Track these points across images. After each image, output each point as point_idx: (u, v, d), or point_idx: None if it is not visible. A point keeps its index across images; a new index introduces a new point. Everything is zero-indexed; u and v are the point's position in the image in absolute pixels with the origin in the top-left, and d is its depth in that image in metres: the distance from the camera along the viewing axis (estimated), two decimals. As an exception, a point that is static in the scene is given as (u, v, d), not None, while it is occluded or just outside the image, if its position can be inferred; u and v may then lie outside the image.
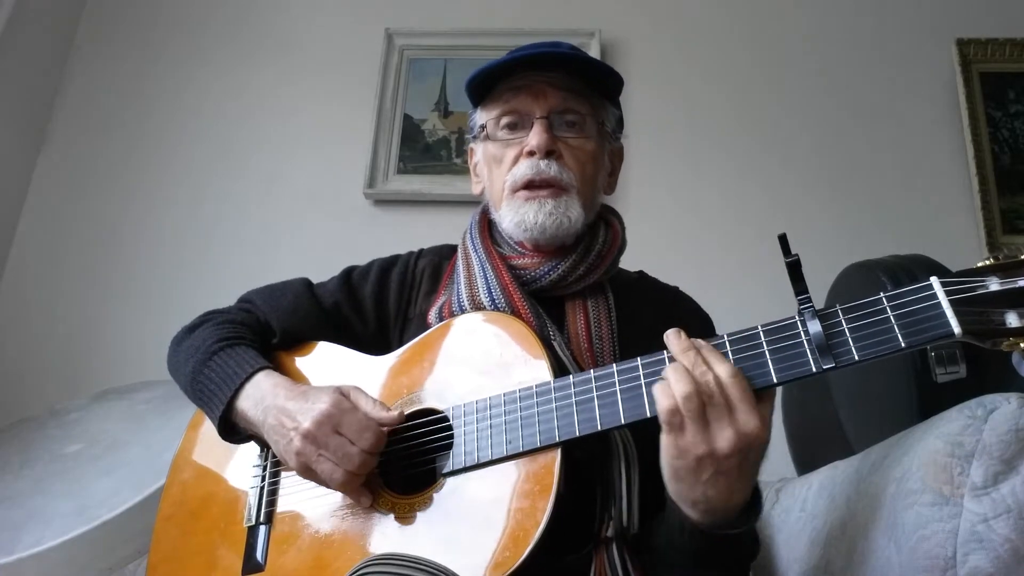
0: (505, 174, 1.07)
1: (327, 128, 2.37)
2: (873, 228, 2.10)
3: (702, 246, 2.15)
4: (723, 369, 0.76)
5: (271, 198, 2.31)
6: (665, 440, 0.77)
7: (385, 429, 0.92)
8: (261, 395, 0.98)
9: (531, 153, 1.04)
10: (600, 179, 1.11)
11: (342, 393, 0.94)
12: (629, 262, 1.23)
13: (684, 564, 0.85)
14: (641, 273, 1.21)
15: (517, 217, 1.04)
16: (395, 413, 0.93)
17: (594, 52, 2.30)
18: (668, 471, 0.79)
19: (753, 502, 0.82)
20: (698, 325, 1.11)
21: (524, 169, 1.04)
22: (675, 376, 0.76)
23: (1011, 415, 0.83)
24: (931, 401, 1.11)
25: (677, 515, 0.82)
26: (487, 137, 1.10)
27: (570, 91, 1.06)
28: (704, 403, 0.75)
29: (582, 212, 1.05)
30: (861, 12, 2.36)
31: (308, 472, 0.92)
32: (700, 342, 0.80)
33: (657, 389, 0.77)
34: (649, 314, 1.09)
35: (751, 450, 0.75)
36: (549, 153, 1.04)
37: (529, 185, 1.04)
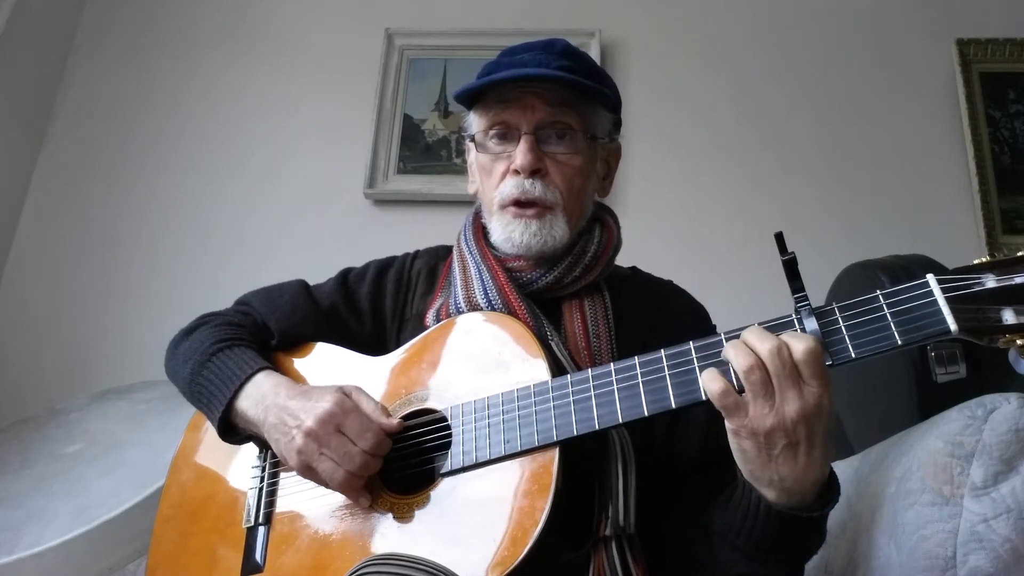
0: (493, 189, 1.08)
1: (327, 128, 2.37)
2: (873, 228, 2.10)
3: (702, 246, 2.15)
4: (799, 343, 0.74)
5: (271, 198, 2.30)
6: (728, 424, 0.76)
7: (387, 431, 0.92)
8: (262, 395, 0.98)
9: (517, 171, 1.04)
10: (590, 188, 1.11)
11: (344, 393, 0.94)
12: (629, 261, 1.23)
13: (752, 548, 0.82)
14: (634, 269, 1.21)
15: (505, 234, 1.06)
16: (395, 421, 0.93)
17: (594, 52, 2.30)
18: (737, 453, 0.78)
19: (831, 484, 0.80)
20: (693, 318, 1.11)
21: (510, 188, 1.05)
22: (735, 352, 0.76)
23: (1011, 415, 0.83)
24: (931, 401, 1.11)
25: (752, 497, 0.80)
26: (478, 147, 1.11)
27: (559, 104, 1.06)
28: (769, 376, 0.74)
29: (566, 230, 1.06)
30: (861, 12, 2.36)
31: (308, 471, 0.92)
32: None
33: (706, 374, 0.77)
34: (645, 309, 1.09)
35: (818, 418, 0.74)
36: (535, 172, 1.04)
37: (516, 203, 1.05)
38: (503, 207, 1.06)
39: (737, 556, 0.84)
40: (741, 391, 0.76)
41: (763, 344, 0.75)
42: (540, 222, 1.04)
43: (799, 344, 0.74)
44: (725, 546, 0.85)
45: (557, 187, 1.05)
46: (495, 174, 1.08)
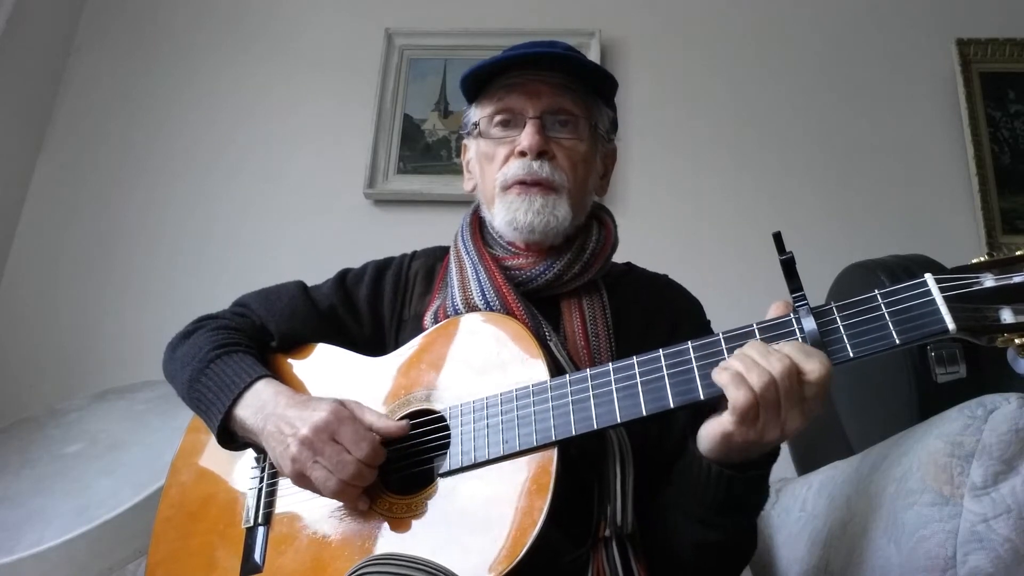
0: (496, 172, 1.07)
1: (327, 128, 2.37)
2: (873, 228, 2.09)
3: (702, 245, 2.15)
4: (812, 366, 0.76)
5: (271, 198, 2.31)
6: (733, 427, 0.77)
7: (385, 435, 0.92)
8: (261, 403, 0.98)
9: (523, 153, 1.04)
10: (591, 180, 1.11)
11: (342, 403, 0.94)
12: (629, 260, 1.23)
13: (704, 512, 0.86)
14: (629, 264, 1.21)
15: (508, 215, 1.05)
16: (402, 423, 0.93)
17: (594, 52, 2.30)
18: (721, 445, 0.80)
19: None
20: (689, 313, 1.12)
21: (515, 169, 1.05)
22: (747, 369, 0.76)
23: (1011, 415, 0.83)
24: (931, 401, 1.11)
25: (703, 464, 0.83)
26: (480, 134, 1.10)
27: (564, 90, 1.06)
28: (779, 394, 0.75)
29: (570, 213, 1.05)
30: (861, 12, 2.36)
31: (302, 479, 0.92)
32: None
33: (730, 382, 0.77)
34: (642, 305, 1.10)
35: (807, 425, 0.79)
36: (541, 154, 1.04)
37: (520, 183, 1.04)
38: (506, 188, 1.06)
39: (691, 523, 0.88)
40: None
41: (774, 364, 0.75)
42: (544, 199, 1.03)
43: (812, 367, 0.75)
44: (678, 515, 0.89)
45: (563, 171, 1.05)
46: (498, 159, 1.08)
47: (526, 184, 1.04)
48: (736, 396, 0.76)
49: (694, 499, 0.86)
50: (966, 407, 0.88)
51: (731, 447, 0.80)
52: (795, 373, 0.75)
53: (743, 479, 0.82)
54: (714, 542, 0.88)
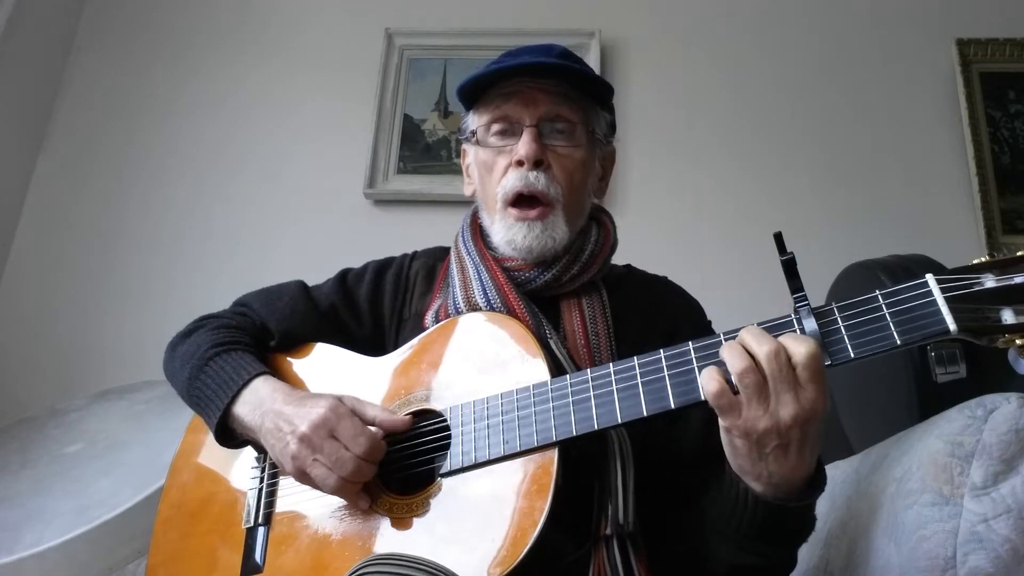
0: (496, 184, 1.07)
1: (327, 128, 2.37)
2: (873, 228, 2.09)
3: (702, 245, 2.15)
4: (799, 347, 0.74)
5: (271, 198, 2.30)
6: (722, 422, 0.77)
7: (388, 430, 0.92)
8: (259, 400, 0.98)
9: (520, 163, 1.04)
10: (589, 185, 1.12)
11: (340, 399, 0.94)
12: (629, 261, 1.23)
13: (741, 538, 0.84)
14: (629, 266, 1.22)
15: (507, 236, 1.06)
16: (405, 418, 0.93)
17: (594, 52, 2.30)
18: (728, 449, 0.79)
19: (817, 474, 0.81)
20: (689, 314, 1.12)
21: (513, 181, 1.05)
22: (730, 353, 0.76)
23: (1011, 415, 0.83)
24: (931, 401, 1.11)
25: (740, 488, 0.81)
26: (478, 142, 1.11)
27: (561, 97, 1.06)
28: (765, 378, 0.74)
29: (567, 229, 1.06)
30: (861, 12, 2.36)
31: (303, 476, 0.92)
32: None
33: (705, 373, 0.77)
34: (642, 307, 1.10)
35: (813, 421, 0.75)
36: (537, 163, 1.04)
37: (518, 201, 1.05)
38: (505, 206, 1.06)
39: (728, 545, 0.86)
40: (737, 392, 0.75)
41: (761, 346, 0.75)
42: (543, 223, 1.04)
43: (799, 347, 0.74)
44: (715, 536, 0.87)
45: (559, 182, 1.05)
46: (496, 170, 1.08)
47: (524, 204, 1.05)
48: (704, 383, 0.76)
49: (731, 523, 0.84)
50: (966, 407, 0.88)
51: (733, 445, 0.78)
52: (782, 353, 0.74)
53: (780, 508, 0.79)
54: (751, 566, 0.86)
